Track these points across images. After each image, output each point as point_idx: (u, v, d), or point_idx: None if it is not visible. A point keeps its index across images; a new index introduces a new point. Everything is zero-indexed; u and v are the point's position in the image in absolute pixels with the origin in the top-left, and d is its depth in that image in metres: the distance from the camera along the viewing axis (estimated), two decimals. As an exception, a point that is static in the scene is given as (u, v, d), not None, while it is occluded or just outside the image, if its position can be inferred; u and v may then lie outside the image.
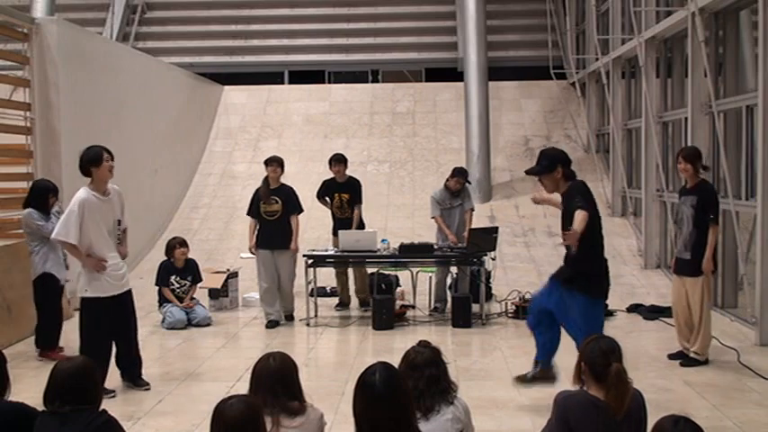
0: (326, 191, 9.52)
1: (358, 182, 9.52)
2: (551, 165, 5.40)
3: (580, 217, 5.17)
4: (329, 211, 9.53)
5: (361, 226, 9.32)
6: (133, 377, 6.39)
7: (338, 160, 9.41)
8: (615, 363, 3.47)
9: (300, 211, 8.86)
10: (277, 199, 8.70)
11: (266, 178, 8.81)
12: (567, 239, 5.22)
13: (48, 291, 7.36)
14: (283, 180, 8.89)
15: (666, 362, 7.00)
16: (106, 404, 3.51)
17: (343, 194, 9.37)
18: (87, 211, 5.93)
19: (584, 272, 5.44)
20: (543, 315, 5.65)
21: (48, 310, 7.38)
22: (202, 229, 13.30)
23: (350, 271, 9.41)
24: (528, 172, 5.62)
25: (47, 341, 7.37)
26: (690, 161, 6.82)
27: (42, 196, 7.37)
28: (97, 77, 10.43)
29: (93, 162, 5.98)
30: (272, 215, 8.69)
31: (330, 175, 9.46)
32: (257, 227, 8.79)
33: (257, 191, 8.86)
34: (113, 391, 6.16)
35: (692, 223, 6.77)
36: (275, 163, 8.73)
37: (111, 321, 6.13)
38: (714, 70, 9.15)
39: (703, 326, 6.78)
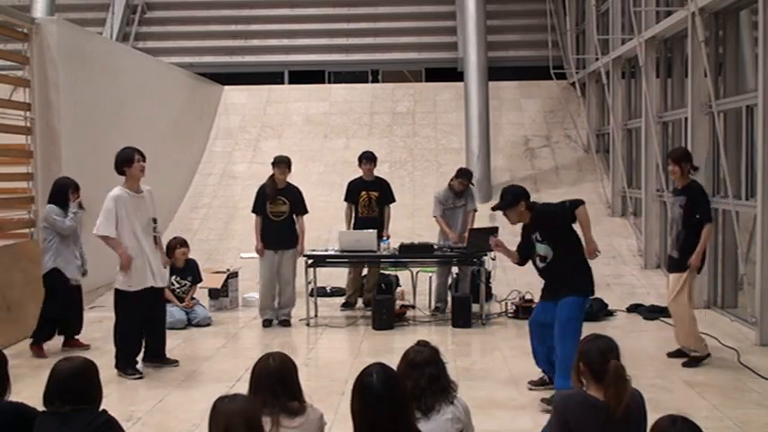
0: (353, 190, 9.41)
1: (387, 181, 9.55)
2: (515, 200, 5.91)
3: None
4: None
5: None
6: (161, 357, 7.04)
7: (369, 158, 9.37)
8: (613, 360, 3.47)
9: (306, 212, 8.79)
10: (284, 200, 8.60)
11: (272, 177, 8.66)
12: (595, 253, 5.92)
13: (53, 286, 7.41)
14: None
15: (666, 362, 7.00)
16: (106, 404, 3.51)
17: (371, 192, 9.34)
18: (121, 207, 6.54)
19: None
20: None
21: (48, 305, 7.43)
22: (202, 229, 13.30)
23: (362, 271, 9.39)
24: (494, 208, 6.06)
25: (37, 336, 7.43)
26: (677, 162, 6.85)
27: (62, 193, 7.48)
28: (97, 77, 10.42)
29: (126, 162, 6.60)
30: (279, 216, 8.60)
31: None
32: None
33: (263, 188, 8.67)
34: (141, 373, 6.76)
35: (681, 224, 6.83)
36: (284, 164, 8.61)
37: (142, 311, 6.74)
38: (714, 70, 9.14)
39: (687, 323, 6.75)
